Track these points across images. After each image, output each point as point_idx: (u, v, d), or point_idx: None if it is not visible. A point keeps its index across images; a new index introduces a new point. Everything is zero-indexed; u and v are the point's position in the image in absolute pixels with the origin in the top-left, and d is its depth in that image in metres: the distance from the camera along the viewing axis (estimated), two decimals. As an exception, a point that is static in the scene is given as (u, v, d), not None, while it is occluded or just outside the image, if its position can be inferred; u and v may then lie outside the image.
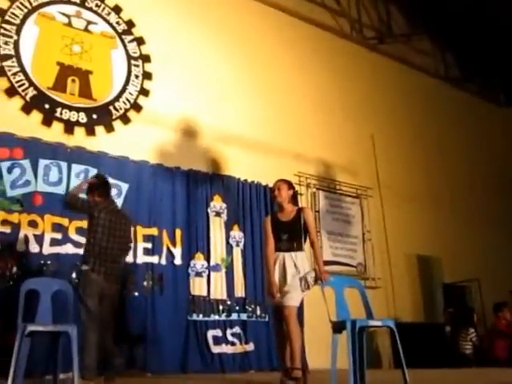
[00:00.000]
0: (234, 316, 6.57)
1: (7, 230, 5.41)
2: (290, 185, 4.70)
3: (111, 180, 6.08)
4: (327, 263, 4.87)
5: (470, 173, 10.55)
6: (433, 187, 9.74)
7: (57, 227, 5.69)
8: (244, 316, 6.64)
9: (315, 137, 8.30)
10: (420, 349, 6.23)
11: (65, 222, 5.73)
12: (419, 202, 9.30)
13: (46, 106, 6.10)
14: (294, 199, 4.69)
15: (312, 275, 4.35)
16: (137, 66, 6.94)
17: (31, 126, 5.92)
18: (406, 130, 9.79)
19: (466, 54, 11.33)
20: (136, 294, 5.97)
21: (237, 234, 6.95)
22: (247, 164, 7.38)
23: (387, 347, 7.66)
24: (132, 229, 6.03)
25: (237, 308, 6.62)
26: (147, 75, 6.97)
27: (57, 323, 4.23)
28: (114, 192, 6.10)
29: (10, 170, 5.60)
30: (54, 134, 6.04)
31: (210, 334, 6.30)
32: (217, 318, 6.42)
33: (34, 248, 5.51)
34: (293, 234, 4.46)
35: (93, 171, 6.04)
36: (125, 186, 6.26)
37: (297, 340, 4.23)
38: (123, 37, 6.95)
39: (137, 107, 6.76)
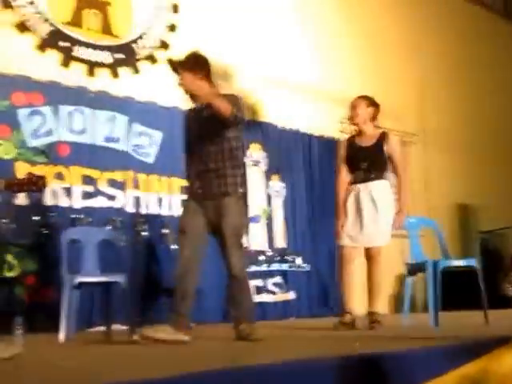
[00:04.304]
0: (275, 266, 6.40)
1: (33, 183, 4.91)
2: (370, 101, 3.92)
3: (142, 128, 5.62)
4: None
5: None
6: (474, 135, 9.27)
7: (87, 180, 5.23)
8: (284, 266, 6.47)
9: (359, 82, 7.63)
10: (460, 292, 6.02)
11: (95, 173, 5.28)
12: (459, 150, 8.89)
13: (63, 44, 5.40)
14: (374, 119, 3.93)
15: None
16: (160, -3, 6.18)
17: (49, 67, 5.28)
18: (456, 72, 9.16)
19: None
20: (176, 246, 5.57)
21: (277, 184, 6.55)
22: (287, 111, 6.78)
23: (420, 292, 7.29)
24: (167, 179, 5.70)
25: (277, 259, 6.43)
26: (173, 8, 6.20)
27: (106, 274, 3.95)
28: (146, 141, 5.65)
29: (29, 118, 5.04)
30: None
31: (252, 284, 6.03)
32: (257, 268, 6.21)
33: (63, 202, 5.06)
34: (374, 162, 3.79)
35: (121, 118, 5.52)
36: (159, 135, 5.71)
37: (383, 283, 3.87)
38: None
39: (163, 45, 6.06)
